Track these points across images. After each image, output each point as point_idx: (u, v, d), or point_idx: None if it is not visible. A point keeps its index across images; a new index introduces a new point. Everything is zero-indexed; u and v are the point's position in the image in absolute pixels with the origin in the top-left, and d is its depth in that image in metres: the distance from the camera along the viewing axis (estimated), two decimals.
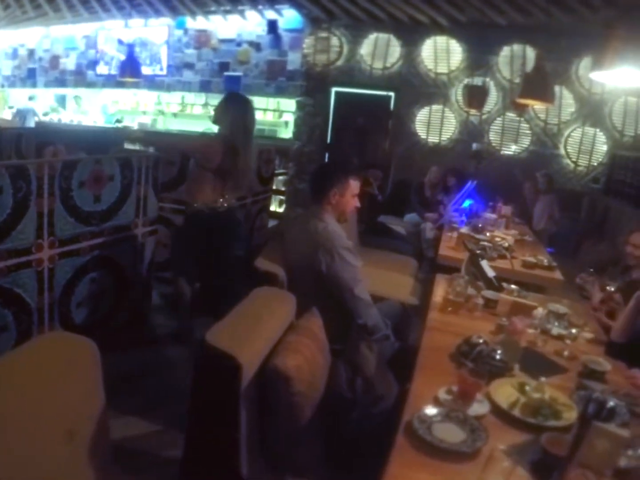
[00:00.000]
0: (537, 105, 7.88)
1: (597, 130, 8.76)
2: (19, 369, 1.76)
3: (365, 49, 9.78)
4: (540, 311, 3.30)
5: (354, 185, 3.45)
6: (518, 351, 2.69)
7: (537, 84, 5.06)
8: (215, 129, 4.53)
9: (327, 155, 10.40)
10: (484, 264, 3.83)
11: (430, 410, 2.07)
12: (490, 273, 3.74)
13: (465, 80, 9.12)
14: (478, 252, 4.28)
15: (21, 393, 1.72)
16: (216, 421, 2.15)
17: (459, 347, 2.65)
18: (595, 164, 8.84)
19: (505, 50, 8.96)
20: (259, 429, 2.28)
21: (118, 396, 2.00)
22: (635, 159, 7.83)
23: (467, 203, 7.10)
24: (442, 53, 9.34)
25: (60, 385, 1.84)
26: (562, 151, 8.96)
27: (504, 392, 2.30)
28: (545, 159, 8.99)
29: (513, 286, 3.75)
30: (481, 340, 2.64)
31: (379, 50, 9.70)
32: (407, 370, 2.62)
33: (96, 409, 1.97)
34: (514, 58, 8.92)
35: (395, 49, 9.60)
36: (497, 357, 2.54)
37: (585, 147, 8.85)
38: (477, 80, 8.91)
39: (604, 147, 8.79)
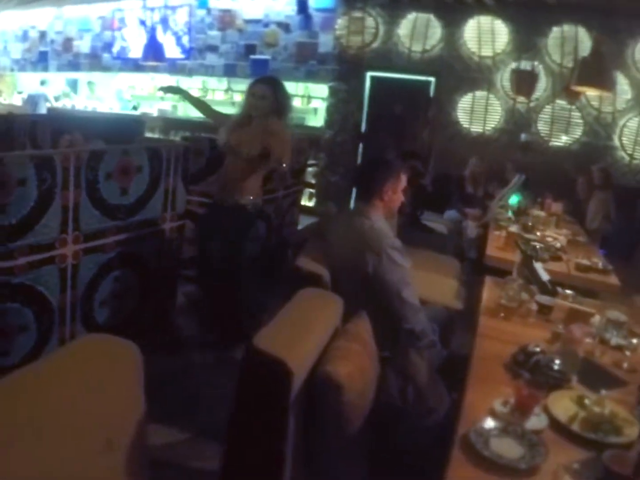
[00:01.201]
0: (593, 93, 7.79)
1: None
2: (58, 373, 1.81)
3: (403, 30, 9.76)
4: (598, 319, 3.31)
5: (404, 179, 3.49)
6: (577, 362, 2.71)
7: (595, 69, 5.04)
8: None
9: (361, 145, 10.39)
10: (538, 266, 3.85)
11: (488, 423, 2.10)
12: (545, 276, 3.76)
13: (513, 65, 9.05)
14: (531, 253, 4.29)
15: (60, 398, 1.76)
16: (262, 431, 2.20)
17: (514, 356, 2.68)
18: None
19: (555, 32, 8.87)
20: (305, 441, 2.33)
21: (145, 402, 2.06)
22: None
23: (514, 199, 7.08)
24: (487, 34, 9.28)
25: (100, 391, 1.89)
26: (616, 143, 8.86)
27: (562, 405, 2.33)
28: (598, 151, 8.90)
29: (568, 291, 3.76)
30: (538, 349, 2.67)
31: (417, 31, 9.67)
32: (456, 380, 2.66)
33: (136, 417, 2.02)
34: (565, 40, 8.82)
35: (436, 30, 9.58)
36: (556, 367, 2.57)
37: None
38: (526, 65, 8.82)
39: None
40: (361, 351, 2.46)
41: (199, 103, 5.09)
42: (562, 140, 9.14)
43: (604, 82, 5.18)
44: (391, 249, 3.24)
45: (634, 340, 3.13)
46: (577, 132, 9.05)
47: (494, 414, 2.21)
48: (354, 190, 10.02)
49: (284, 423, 2.12)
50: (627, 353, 3.05)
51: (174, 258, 4.79)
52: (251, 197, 4.70)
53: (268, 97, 4.53)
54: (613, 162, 8.80)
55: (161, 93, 5.85)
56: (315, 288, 3.04)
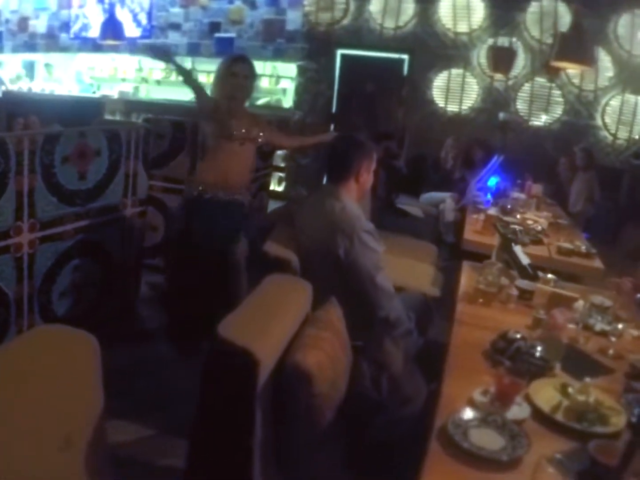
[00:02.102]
0: (574, 69, 7.83)
1: (639, 98, 8.69)
2: (10, 366, 1.77)
3: (375, 5, 9.73)
4: (581, 304, 3.31)
5: (375, 160, 3.48)
6: (560, 348, 2.69)
7: (575, 44, 5.06)
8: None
9: (332, 126, 10.34)
10: (518, 250, 3.84)
11: (467, 414, 2.08)
12: (525, 260, 3.75)
13: (490, 41, 9.06)
14: (510, 236, 4.29)
15: (13, 394, 1.73)
16: (228, 425, 2.17)
17: (494, 343, 2.67)
18: (637, 136, 8.77)
19: (534, 6, 8.88)
20: (274, 434, 2.31)
21: (105, 397, 2.02)
22: None
23: (492, 181, 7.09)
24: (462, 10, 9.29)
25: (56, 385, 1.86)
26: (598, 122, 8.91)
27: (545, 394, 2.31)
28: (579, 131, 8.94)
29: (550, 275, 3.75)
30: (519, 336, 2.65)
31: (390, 7, 9.65)
32: (434, 368, 2.65)
33: (95, 412, 1.98)
34: (543, 15, 8.84)
35: (409, 6, 9.55)
36: (538, 354, 2.56)
37: (625, 118, 8.77)
38: (503, 41, 8.84)
39: None
40: (332, 339, 2.43)
41: (187, 74, 4.98)
42: (542, 119, 9.18)
43: (585, 57, 5.20)
44: (364, 232, 3.21)
45: (620, 326, 3.13)
46: (558, 111, 9.09)
47: (473, 404, 2.19)
48: (325, 172, 10.02)
49: (251, 416, 2.09)
50: (613, 339, 3.05)
51: (136, 246, 4.74)
52: (247, 190, 4.68)
53: (250, 77, 4.50)
54: (595, 142, 8.84)
55: (148, 55, 5.75)
56: (283, 274, 3.02)
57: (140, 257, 4.90)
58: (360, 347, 2.92)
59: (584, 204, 7.62)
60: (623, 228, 7.51)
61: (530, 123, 9.21)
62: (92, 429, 1.97)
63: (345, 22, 9.95)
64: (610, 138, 8.90)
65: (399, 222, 7.06)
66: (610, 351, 2.87)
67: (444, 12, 9.38)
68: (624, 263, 5.14)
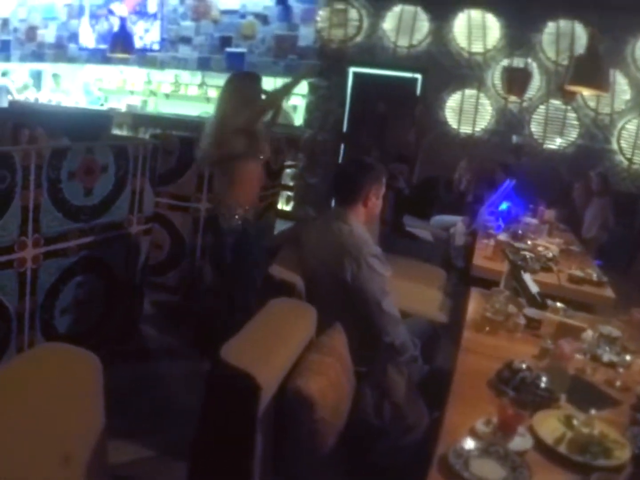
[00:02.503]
0: (588, 93, 7.84)
1: None
2: (11, 384, 1.81)
3: (389, 23, 9.80)
4: (589, 334, 3.34)
5: (384, 183, 3.53)
6: (566, 380, 2.73)
7: (590, 68, 5.07)
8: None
9: (342, 145, 10.42)
10: (527, 277, 3.88)
11: (468, 444, 2.12)
12: (534, 288, 3.79)
13: (504, 62, 9.10)
14: (520, 263, 4.33)
15: (14, 411, 1.77)
16: (228, 447, 2.21)
17: (499, 372, 2.71)
18: None
19: (551, 27, 8.91)
20: (274, 458, 2.35)
21: (108, 415, 2.06)
22: None
23: (504, 205, 7.12)
24: (478, 29, 9.33)
25: (57, 404, 1.90)
26: (614, 146, 8.91)
27: (549, 425, 2.34)
28: (595, 155, 8.94)
29: (559, 304, 3.78)
30: (524, 366, 2.69)
31: (404, 25, 9.71)
32: (438, 397, 2.68)
33: (96, 431, 2.03)
34: (560, 36, 8.86)
35: (423, 24, 9.62)
36: (543, 385, 2.59)
37: None
38: (518, 62, 8.85)
39: None
40: (335, 365, 2.48)
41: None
42: (556, 142, 9.20)
43: (600, 82, 5.21)
44: (371, 257, 3.25)
45: (628, 357, 3.14)
46: (573, 135, 9.10)
47: (475, 434, 2.22)
48: (333, 195, 10.01)
49: (251, 439, 2.13)
50: (620, 370, 3.05)
51: (141, 263, 4.79)
52: None
53: None
54: (611, 167, 8.84)
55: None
56: (288, 298, 3.06)
57: (145, 274, 4.94)
58: (364, 372, 2.96)
59: (598, 230, 7.60)
60: (637, 256, 7.51)
61: (545, 146, 9.22)
62: (92, 448, 2.01)
63: (359, 39, 10.00)
64: (626, 163, 8.89)
65: (408, 245, 7.09)
66: (618, 383, 2.89)
67: (459, 31, 9.42)
68: (637, 292, 5.14)
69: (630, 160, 8.88)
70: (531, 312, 3.53)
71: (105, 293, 4.46)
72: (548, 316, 3.55)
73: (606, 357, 3.14)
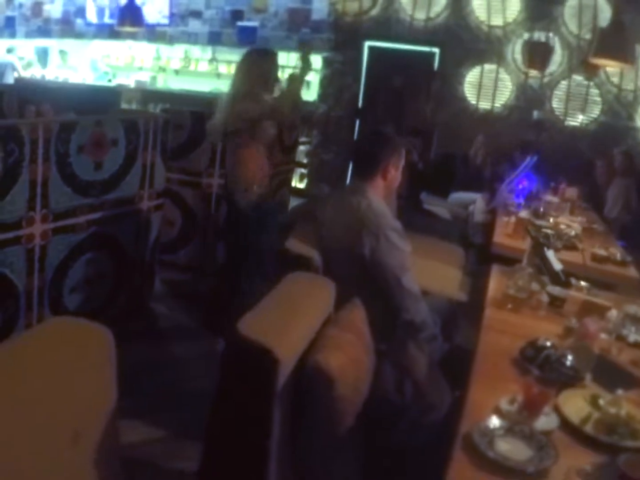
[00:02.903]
0: (612, 67, 7.73)
1: None
2: (22, 358, 1.79)
3: None
4: (614, 313, 3.30)
5: (403, 156, 3.49)
6: (591, 358, 2.70)
7: (615, 40, 5.02)
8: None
9: (357, 121, 10.35)
10: (550, 254, 3.84)
11: (493, 423, 2.10)
12: (557, 266, 3.76)
13: (525, 35, 8.99)
14: (543, 240, 4.29)
15: (24, 387, 1.75)
16: (244, 424, 2.19)
17: (523, 350, 2.68)
18: None
19: (572, 0, 8.80)
20: (292, 436, 2.34)
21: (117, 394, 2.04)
22: None
23: (525, 182, 7.07)
24: (497, 2, 9.18)
25: (68, 379, 1.88)
26: (638, 124, 8.80)
27: (575, 405, 2.32)
28: (617, 133, 8.82)
29: (583, 283, 3.75)
30: (549, 344, 2.67)
31: None
32: (459, 375, 2.66)
33: (107, 409, 2.01)
34: (582, 9, 8.72)
35: None
36: (568, 364, 2.57)
37: None
38: (539, 36, 8.76)
39: None
40: (355, 341, 2.45)
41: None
42: (578, 119, 9.08)
43: (625, 55, 5.15)
44: (390, 231, 3.20)
45: None
46: (595, 111, 8.98)
47: (499, 413, 2.20)
48: (351, 168, 10.04)
49: (269, 417, 2.11)
50: None
51: (152, 240, 4.78)
52: None
53: None
54: (634, 145, 8.66)
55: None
56: (305, 272, 3.04)
57: (156, 252, 4.93)
58: (384, 350, 2.93)
59: (620, 210, 7.52)
60: None
61: (566, 123, 9.12)
62: (102, 426, 2.00)
63: (374, 12, 9.87)
64: None
65: (426, 223, 7.06)
66: None
67: (478, 3, 9.28)
68: None
69: None
70: (554, 290, 3.50)
71: (115, 270, 4.46)
72: (572, 294, 3.52)
73: (632, 337, 3.12)
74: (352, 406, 2.31)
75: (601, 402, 2.32)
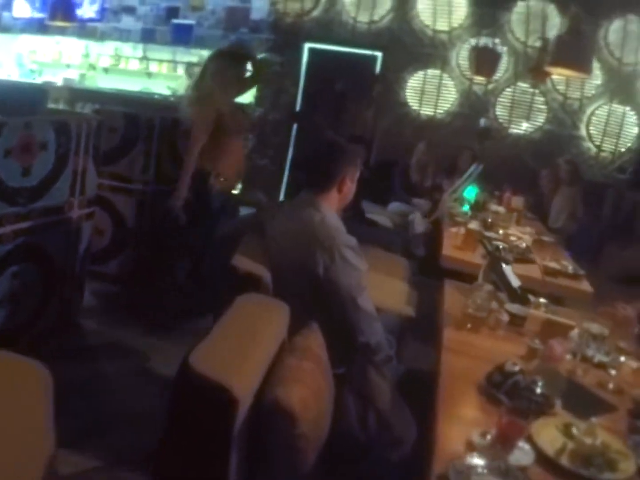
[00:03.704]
0: (570, 76, 7.76)
1: (627, 108, 8.71)
2: None
3: None
4: (576, 333, 3.21)
5: (359, 166, 3.38)
6: (561, 383, 2.62)
7: (573, 48, 4.99)
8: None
9: (295, 126, 10.27)
10: (508, 270, 3.76)
11: (467, 460, 1.99)
12: (515, 282, 3.68)
13: (471, 41, 9.00)
14: (500, 255, 4.21)
15: None
16: (198, 470, 2.03)
17: (489, 376, 2.57)
18: (623, 149, 8.79)
19: (520, 6, 8.86)
20: (250, 477, 2.18)
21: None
22: None
23: (470, 191, 7.02)
24: (443, 6, 9.22)
25: None
26: (583, 132, 8.91)
27: (548, 434, 2.24)
28: (562, 141, 8.94)
29: (542, 299, 3.69)
30: (516, 369, 2.56)
31: None
32: (418, 400, 2.55)
33: (44, 454, 1.83)
34: (530, 16, 8.81)
35: None
36: (538, 391, 2.46)
37: (611, 129, 8.79)
38: (486, 42, 8.72)
39: (635, 130, 8.74)
40: (314, 370, 2.30)
41: None
42: (522, 127, 9.16)
43: (583, 64, 5.13)
44: (346, 248, 3.08)
45: (622, 358, 3.05)
46: (540, 119, 9.08)
47: (472, 448, 2.10)
48: (287, 175, 9.99)
49: (226, 460, 1.95)
50: (612, 372, 2.97)
51: (82, 251, 4.58)
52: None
53: None
54: (578, 154, 8.84)
55: None
56: (256, 293, 2.87)
57: (86, 263, 4.73)
58: (344, 377, 2.79)
59: (565, 220, 7.57)
60: (605, 247, 7.47)
61: (510, 131, 9.19)
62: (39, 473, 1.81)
63: (316, 13, 9.83)
64: (594, 150, 8.91)
65: (369, 233, 6.95)
66: (610, 385, 2.82)
67: (423, 7, 9.30)
68: (607, 286, 5.08)
69: (599, 147, 8.89)
70: (514, 307, 3.43)
71: (43, 284, 4.25)
72: (533, 313, 3.45)
73: (597, 357, 3.05)
74: (314, 443, 2.16)
75: (574, 430, 2.24)
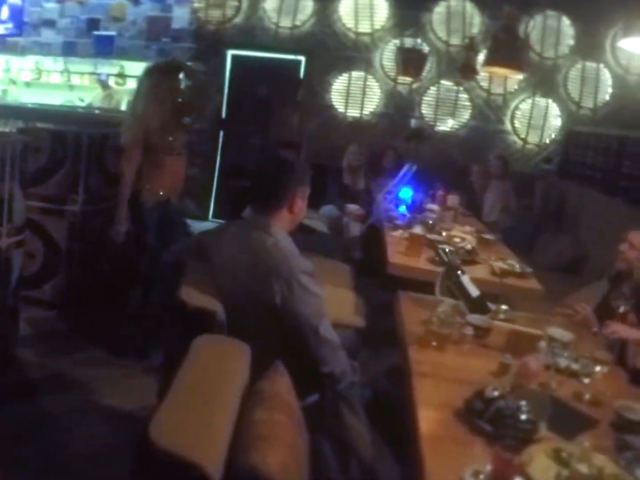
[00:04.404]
0: (507, 75, 7.66)
1: (550, 101, 8.77)
2: None
3: (270, 3, 9.44)
4: (543, 343, 2.98)
5: (309, 183, 3.11)
6: (546, 406, 2.36)
7: (509, 47, 4.85)
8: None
9: (221, 133, 10.05)
10: (466, 280, 3.51)
11: None
12: (474, 292, 3.44)
13: (393, 42, 8.94)
14: (449, 261, 3.96)
15: None
16: None
17: (469, 403, 2.31)
18: (548, 141, 8.86)
19: (442, 6, 8.82)
20: None
21: None
22: (596, 135, 7.77)
23: (405, 193, 6.80)
24: (364, 9, 9.11)
25: None
26: (508, 126, 8.94)
27: (540, 464, 2.01)
28: (488, 136, 8.95)
29: (503, 306, 3.46)
30: (496, 393, 2.31)
31: (286, 4, 9.38)
32: (390, 429, 2.29)
33: None
34: (451, 15, 8.78)
35: (307, 4, 9.31)
36: (523, 417, 2.21)
37: (535, 122, 8.84)
38: (408, 42, 8.69)
39: (558, 122, 8.80)
40: (287, 423, 1.96)
41: None
42: (448, 124, 9.10)
43: (519, 62, 4.98)
44: (302, 274, 2.80)
45: (598, 368, 2.80)
46: (465, 116, 9.05)
47: None
48: (216, 185, 9.72)
49: None
50: (585, 380, 2.76)
51: (14, 281, 4.20)
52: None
53: None
54: (505, 147, 8.88)
55: None
56: (212, 335, 2.53)
57: (18, 293, 4.35)
58: (315, 419, 2.48)
59: (499, 213, 7.52)
60: (540, 238, 7.39)
61: (436, 129, 9.11)
62: None
63: (237, 20, 9.61)
64: (520, 143, 8.93)
65: (304, 238, 6.69)
66: (587, 396, 2.64)
67: (345, 11, 9.18)
68: (543, 276, 4.90)
69: (524, 140, 8.92)
70: (476, 319, 3.19)
71: None
72: (498, 324, 3.21)
73: (571, 366, 2.80)
74: None
75: (564, 455, 2.04)
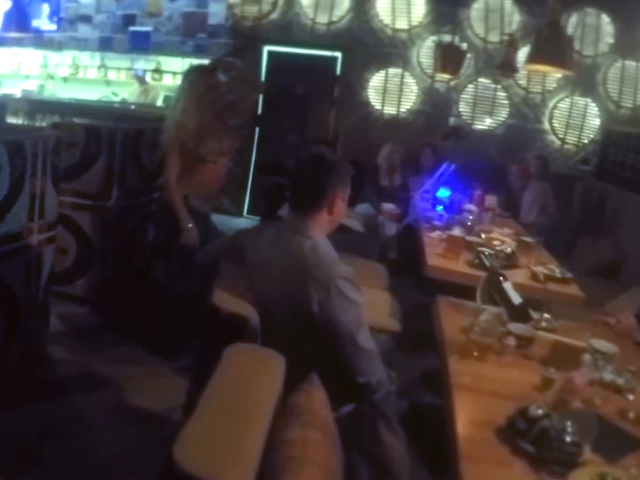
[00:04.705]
0: (550, 73, 7.52)
1: (589, 100, 8.53)
2: None
3: None
4: (587, 355, 2.82)
5: (350, 183, 2.99)
6: (592, 424, 2.21)
7: (554, 44, 4.66)
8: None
9: (257, 130, 9.95)
10: (508, 287, 3.36)
11: None
12: (517, 299, 3.29)
13: (431, 39, 8.76)
14: (500, 270, 3.80)
15: None
16: None
17: (511, 422, 2.16)
18: (586, 141, 8.61)
19: (480, 2, 8.62)
20: None
21: (9, 472, 1.45)
22: (636, 135, 7.56)
23: (443, 192, 6.64)
24: (402, 5, 8.93)
25: None
26: (546, 125, 8.71)
27: None
28: (526, 135, 8.73)
29: (546, 315, 3.30)
30: (540, 412, 2.15)
31: (323, 0, 9.24)
32: (426, 441, 2.16)
33: None
34: (489, 12, 8.60)
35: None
36: (569, 439, 2.05)
37: (574, 121, 8.60)
38: (445, 38, 8.42)
39: (597, 121, 8.56)
40: (322, 441, 1.82)
41: None
42: (486, 123, 8.93)
43: (565, 59, 4.78)
44: (342, 280, 2.65)
45: None
46: (503, 114, 8.86)
47: None
48: (250, 181, 9.66)
49: None
50: (630, 397, 2.60)
51: (45, 277, 4.12)
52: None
53: None
54: (542, 147, 8.65)
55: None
56: (245, 344, 2.40)
57: (49, 289, 4.27)
58: (351, 435, 2.35)
59: (537, 214, 7.31)
60: (579, 241, 7.19)
61: (474, 127, 8.94)
62: None
63: (274, 16, 9.50)
64: (558, 143, 8.70)
65: (341, 238, 6.56)
66: (631, 414, 2.45)
67: (382, 7, 9.01)
68: (587, 282, 4.73)
69: (562, 140, 8.68)
70: (517, 327, 3.04)
71: (3, 318, 3.77)
72: (541, 334, 3.05)
73: (617, 381, 2.66)
74: None
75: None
